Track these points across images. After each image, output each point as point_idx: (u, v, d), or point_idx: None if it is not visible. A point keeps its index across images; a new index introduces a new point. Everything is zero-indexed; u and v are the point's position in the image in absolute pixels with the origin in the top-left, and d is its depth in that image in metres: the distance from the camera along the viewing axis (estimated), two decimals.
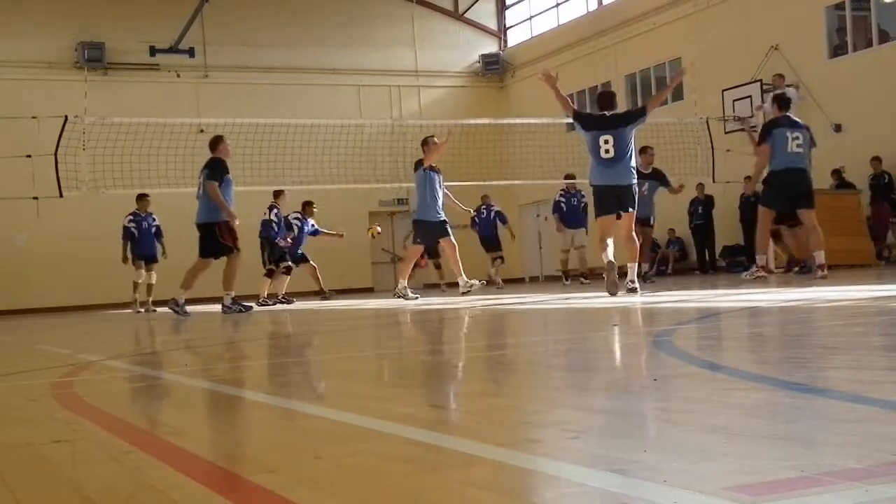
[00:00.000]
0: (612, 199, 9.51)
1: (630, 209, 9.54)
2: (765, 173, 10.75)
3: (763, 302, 6.91)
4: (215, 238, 10.73)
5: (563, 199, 16.03)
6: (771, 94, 16.18)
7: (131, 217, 15.35)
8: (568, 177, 15.96)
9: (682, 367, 3.08)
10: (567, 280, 16.13)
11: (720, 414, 2.05)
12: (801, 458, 1.49)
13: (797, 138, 10.53)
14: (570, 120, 10.11)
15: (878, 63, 16.49)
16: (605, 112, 9.62)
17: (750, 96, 17.29)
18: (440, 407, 2.58)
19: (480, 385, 3.13)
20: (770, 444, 1.66)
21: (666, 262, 20.29)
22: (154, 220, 15.43)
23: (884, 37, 16.74)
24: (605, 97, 9.97)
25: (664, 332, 4.59)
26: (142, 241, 15.30)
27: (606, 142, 9.40)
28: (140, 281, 15.50)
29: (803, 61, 17.58)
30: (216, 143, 11.17)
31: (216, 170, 10.85)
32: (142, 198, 15.26)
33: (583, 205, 15.73)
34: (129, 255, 15.37)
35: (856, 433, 1.71)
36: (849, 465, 1.43)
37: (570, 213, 15.93)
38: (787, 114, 10.77)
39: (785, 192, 10.48)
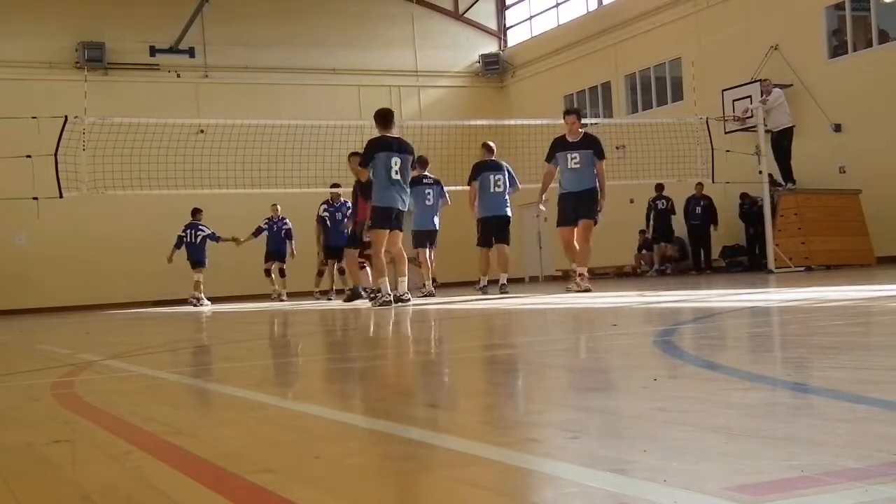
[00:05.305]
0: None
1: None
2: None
3: (762, 302, 6.91)
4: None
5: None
6: (762, 94, 16.22)
7: (184, 227, 17.71)
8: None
9: (682, 367, 3.08)
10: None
11: (720, 414, 2.04)
12: (801, 458, 1.49)
13: (499, 180, 12.30)
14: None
15: (878, 63, 16.49)
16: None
17: (750, 96, 17.29)
18: (439, 407, 2.57)
19: (480, 385, 3.13)
20: (770, 444, 1.65)
21: (666, 262, 20.16)
22: (203, 230, 17.61)
23: (883, 37, 16.73)
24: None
25: (664, 332, 4.59)
26: (190, 249, 17.66)
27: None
28: (196, 279, 17.79)
29: (803, 61, 17.58)
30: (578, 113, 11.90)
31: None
32: (195, 212, 17.74)
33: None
34: (188, 260, 17.73)
35: (856, 433, 1.71)
36: (849, 465, 1.43)
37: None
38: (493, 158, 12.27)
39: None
